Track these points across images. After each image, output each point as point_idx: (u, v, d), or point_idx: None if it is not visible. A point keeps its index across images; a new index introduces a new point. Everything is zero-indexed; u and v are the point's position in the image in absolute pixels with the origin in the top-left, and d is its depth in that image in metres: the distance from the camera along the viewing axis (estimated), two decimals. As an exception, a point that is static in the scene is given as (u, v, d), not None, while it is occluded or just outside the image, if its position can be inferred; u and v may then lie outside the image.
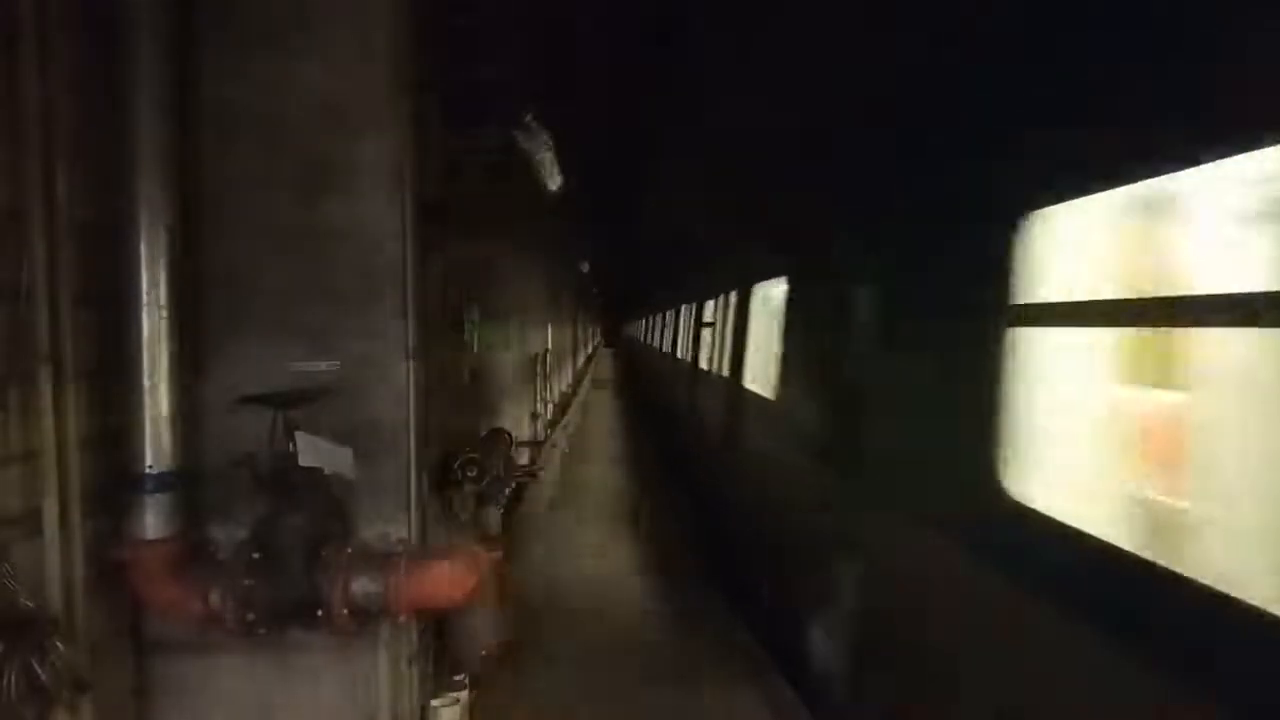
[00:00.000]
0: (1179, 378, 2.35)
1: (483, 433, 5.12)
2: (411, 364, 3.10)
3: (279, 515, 2.79)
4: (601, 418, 16.98)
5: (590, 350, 34.51)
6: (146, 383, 2.64)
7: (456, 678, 3.58)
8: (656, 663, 4.53)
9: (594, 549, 6.92)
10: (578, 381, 20.48)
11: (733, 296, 7.70)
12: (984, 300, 2.71)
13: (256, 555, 2.76)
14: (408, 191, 3.07)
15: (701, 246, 10.29)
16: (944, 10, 3.25)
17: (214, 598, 2.71)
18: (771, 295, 6.23)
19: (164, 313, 2.65)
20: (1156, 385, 2.43)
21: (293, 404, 2.87)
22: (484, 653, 3.58)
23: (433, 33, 3.43)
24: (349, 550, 2.85)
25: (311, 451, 2.83)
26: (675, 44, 5.53)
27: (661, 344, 16.24)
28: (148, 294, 2.62)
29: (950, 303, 3.04)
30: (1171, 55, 2.06)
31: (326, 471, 2.86)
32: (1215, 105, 1.90)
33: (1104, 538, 2.14)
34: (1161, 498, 2.33)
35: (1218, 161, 1.86)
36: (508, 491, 4.49)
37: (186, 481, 2.77)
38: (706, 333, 9.61)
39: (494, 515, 4.36)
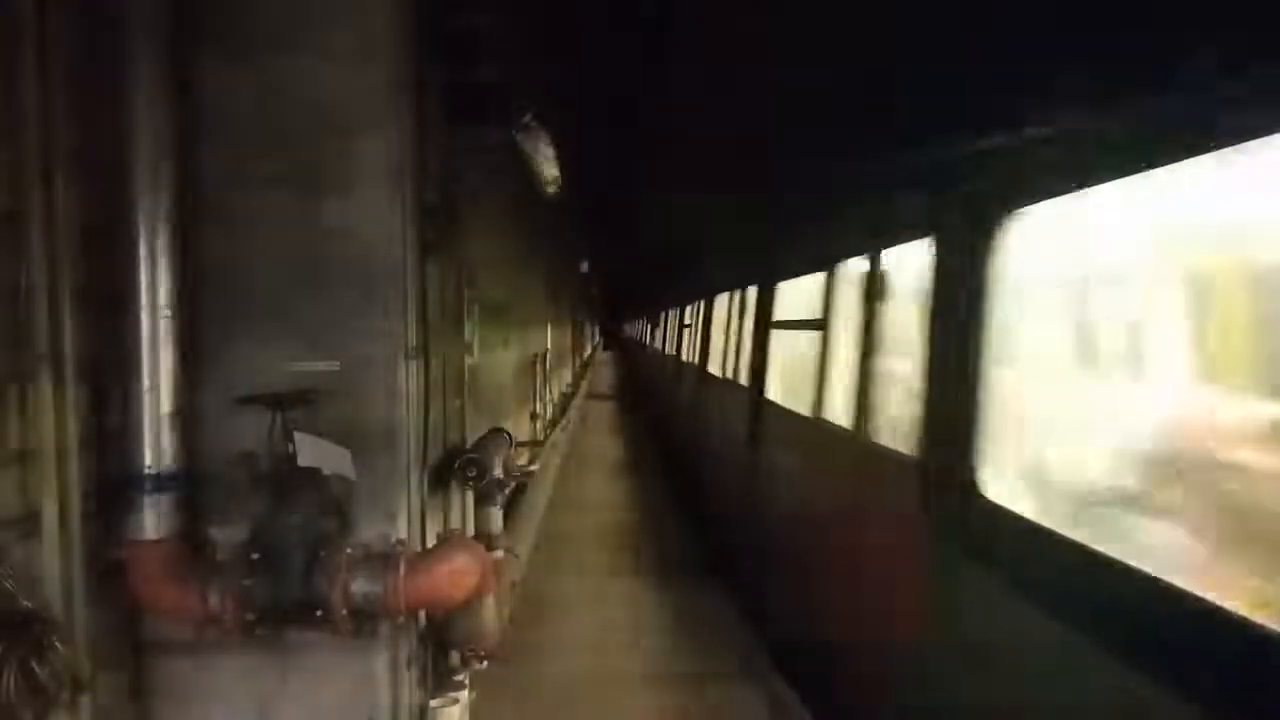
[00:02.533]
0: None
1: (482, 433, 5.11)
2: (411, 364, 3.10)
3: (278, 515, 2.79)
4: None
5: (588, 354, 29.02)
6: (146, 383, 2.64)
7: (456, 678, 3.58)
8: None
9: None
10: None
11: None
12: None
13: (256, 555, 2.76)
14: (408, 191, 3.06)
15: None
16: None
17: (213, 598, 2.71)
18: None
19: (164, 313, 2.65)
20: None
21: (292, 404, 2.87)
22: (484, 652, 3.58)
23: (433, 33, 3.43)
24: (348, 550, 2.85)
25: (311, 451, 2.83)
26: (676, 42, 5.53)
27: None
28: (147, 294, 2.62)
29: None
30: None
31: (326, 471, 2.86)
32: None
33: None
34: None
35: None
36: (507, 491, 4.48)
37: (186, 481, 2.76)
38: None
39: (494, 515, 4.35)
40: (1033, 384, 2.77)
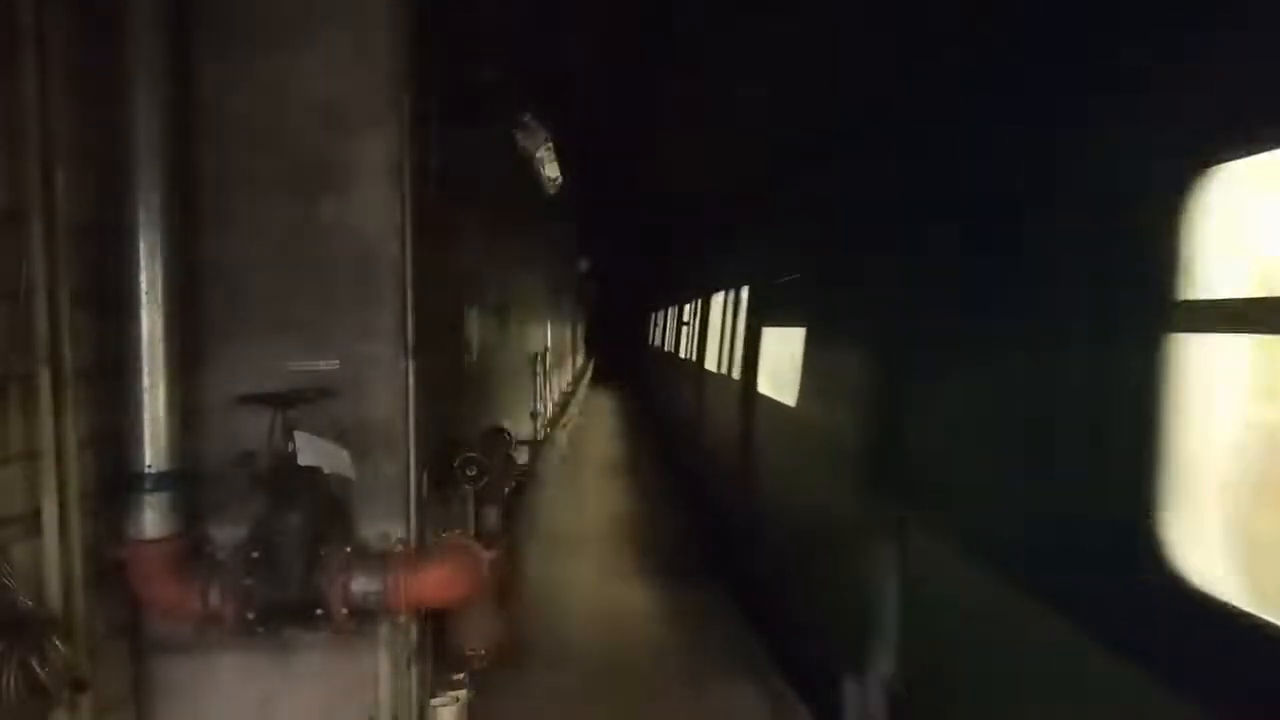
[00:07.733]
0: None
1: (482, 432, 5.11)
2: (411, 364, 3.10)
3: (278, 515, 2.79)
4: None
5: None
6: (146, 382, 2.64)
7: (456, 678, 3.59)
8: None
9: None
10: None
11: None
12: None
13: (256, 555, 2.76)
14: (407, 191, 3.06)
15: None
16: None
17: (213, 597, 2.71)
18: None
19: (163, 312, 2.65)
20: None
21: (292, 403, 2.87)
22: (484, 652, 3.58)
23: (432, 33, 3.43)
24: (348, 550, 2.85)
25: (311, 451, 2.83)
26: (675, 41, 5.53)
27: None
28: (147, 294, 2.62)
29: None
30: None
31: (326, 471, 2.86)
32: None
33: None
34: None
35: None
36: (507, 491, 4.49)
37: (186, 481, 2.77)
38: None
39: (494, 514, 4.36)
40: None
